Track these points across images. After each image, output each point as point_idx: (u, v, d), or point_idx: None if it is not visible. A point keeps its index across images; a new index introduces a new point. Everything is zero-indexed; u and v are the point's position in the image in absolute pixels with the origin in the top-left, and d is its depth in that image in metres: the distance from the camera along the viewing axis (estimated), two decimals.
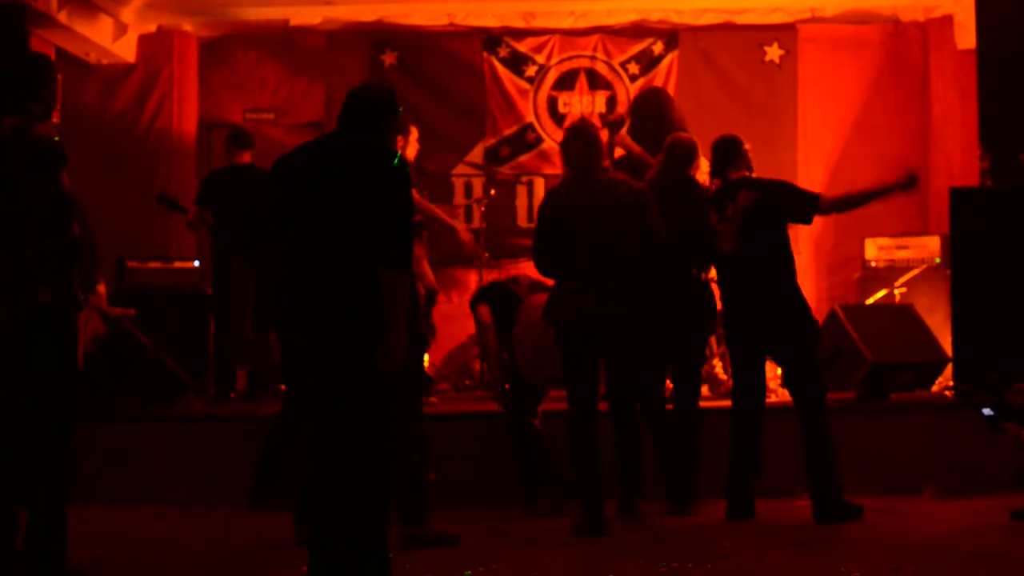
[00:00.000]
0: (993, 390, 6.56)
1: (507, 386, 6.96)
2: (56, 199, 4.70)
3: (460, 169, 10.84)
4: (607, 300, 6.12)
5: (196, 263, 9.62)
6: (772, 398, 7.47)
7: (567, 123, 11.14)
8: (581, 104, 11.18)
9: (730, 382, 8.44)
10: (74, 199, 4.81)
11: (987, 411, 6.48)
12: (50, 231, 4.66)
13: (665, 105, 7.98)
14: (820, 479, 6.25)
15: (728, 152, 6.78)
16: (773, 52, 11.07)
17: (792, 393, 6.50)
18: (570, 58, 11.19)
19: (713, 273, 6.94)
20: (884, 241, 9.78)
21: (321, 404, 4.47)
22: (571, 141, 6.38)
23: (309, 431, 4.52)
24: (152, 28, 10.91)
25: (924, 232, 10.05)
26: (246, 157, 8.83)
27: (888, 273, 9.55)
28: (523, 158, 11.07)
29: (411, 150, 6.81)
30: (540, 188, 11.06)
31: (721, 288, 6.71)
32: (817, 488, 6.26)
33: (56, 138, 4.86)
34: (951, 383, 7.98)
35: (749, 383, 6.60)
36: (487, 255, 9.82)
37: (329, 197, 4.57)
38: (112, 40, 10.55)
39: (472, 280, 10.10)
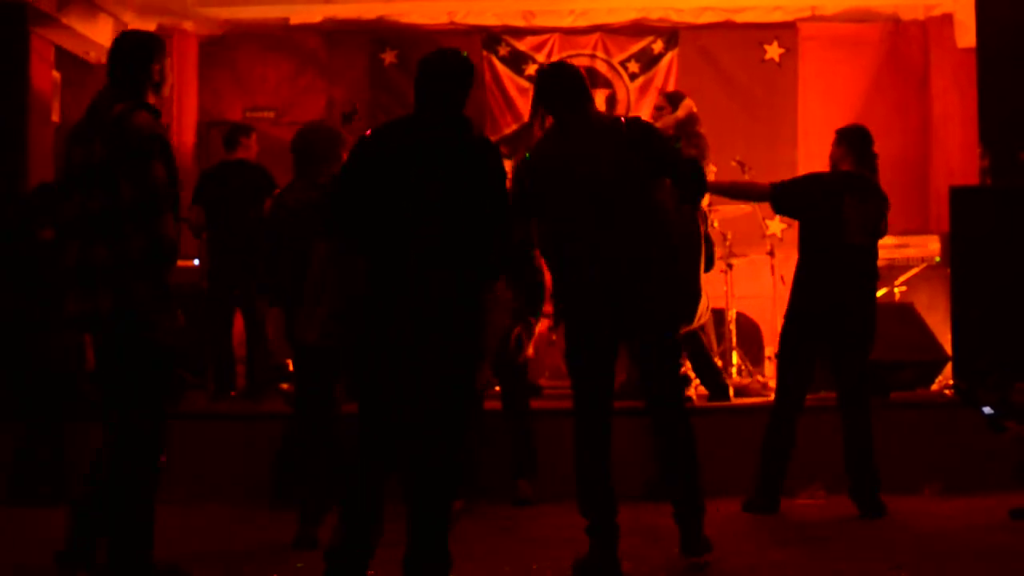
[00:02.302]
0: (994, 389, 6.56)
1: None
2: (146, 192, 4.64)
3: None
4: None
5: (196, 261, 9.62)
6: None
7: None
8: None
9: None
10: (169, 191, 4.72)
11: (987, 410, 6.48)
12: (144, 225, 4.62)
13: None
14: (866, 475, 6.32)
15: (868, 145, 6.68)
16: (773, 50, 11.08)
17: (844, 390, 6.46)
18: (570, 56, 11.20)
19: None
20: (884, 240, 9.75)
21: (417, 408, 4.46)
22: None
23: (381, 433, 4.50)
24: (152, 27, 10.89)
25: (924, 231, 10.05)
26: (238, 153, 8.85)
27: (888, 272, 9.54)
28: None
29: None
30: None
31: (822, 280, 6.47)
32: (863, 484, 6.32)
33: (155, 125, 4.77)
34: (951, 382, 7.98)
35: (806, 381, 6.51)
36: None
37: (428, 193, 4.40)
38: (112, 39, 10.53)
39: None
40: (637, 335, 5.09)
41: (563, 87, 5.36)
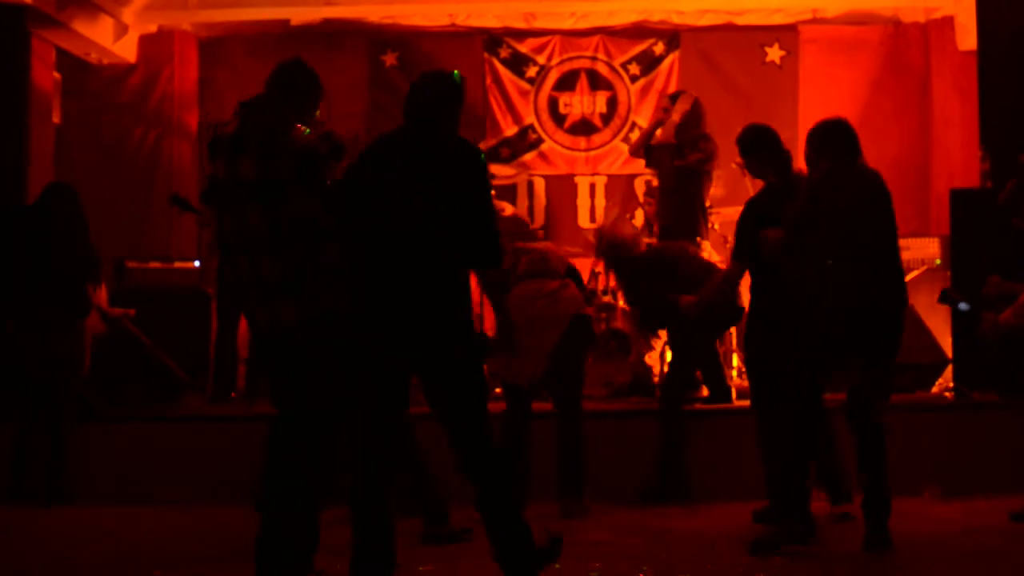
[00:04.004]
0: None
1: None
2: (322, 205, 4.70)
3: None
4: None
5: (196, 263, 9.62)
6: None
7: (568, 124, 11.16)
8: (582, 105, 11.18)
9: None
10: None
11: (963, 305, 6.42)
12: (322, 237, 4.66)
13: None
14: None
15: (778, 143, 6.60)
16: (774, 53, 11.07)
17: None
18: (571, 59, 11.20)
19: None
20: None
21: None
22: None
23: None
24: (153, 28, 10.91)
25: (925, 233, 10.03)
26: None
27: None
28: (524, 158, 11.08)
29: None
30: (540, 189, 11.07)
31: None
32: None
33: (315, 142, 4.77)
34: (951, 384, 7.98)
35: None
36: None
37: (415, 193, 4.58)
38: (113, 40, 10.56)
39: None
40: None
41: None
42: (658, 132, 8.58)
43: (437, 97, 4.76)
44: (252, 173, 4.62)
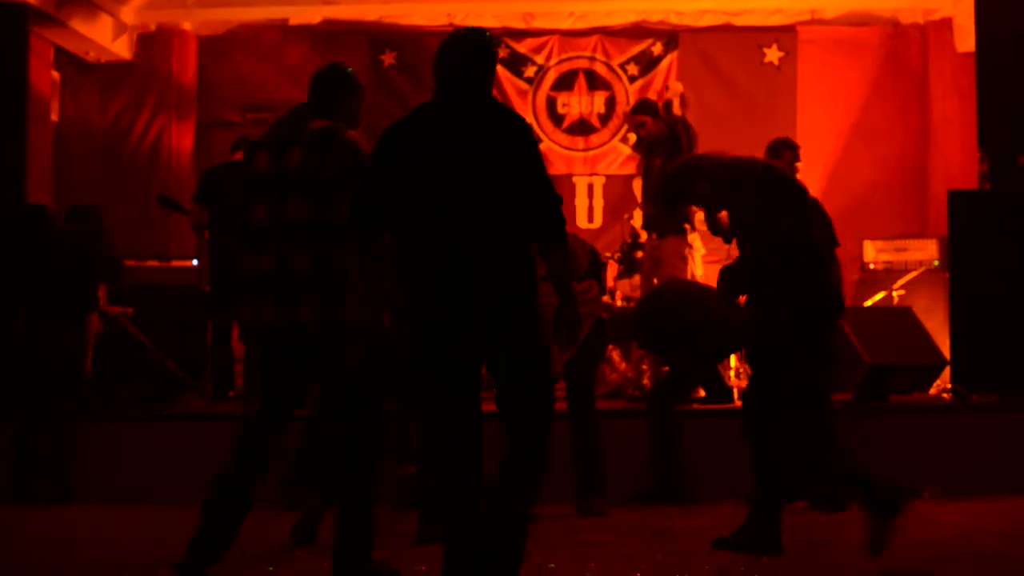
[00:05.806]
0: None
1: None
2: None
3: None
4: None
5: (195, 262, 9.61)
6: None
7: (566, 124, 11.16)
8: (580, 105, 11.19)
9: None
10: None
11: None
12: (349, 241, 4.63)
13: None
14: None
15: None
16: (772, 54, 11.09)
17: None
18: (569, 59, 11.21)
19: None
20: (882, 243, 9.78)
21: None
22: None
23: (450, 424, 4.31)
24: (152, 27, 10.92)
25: (923, 235, 10.05)
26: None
27: (886, 276, 9.55)
28: None
29: None
30: None
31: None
32: None
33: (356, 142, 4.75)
34: (949, 385, 7.99)
35: None
36: None
37: (470, 169, 4.26)
38: (112, 39, 10.56)
39: None
40: None
41: None
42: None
43: (474, 56, 4.45)
44: (302, 167, 4.63)
